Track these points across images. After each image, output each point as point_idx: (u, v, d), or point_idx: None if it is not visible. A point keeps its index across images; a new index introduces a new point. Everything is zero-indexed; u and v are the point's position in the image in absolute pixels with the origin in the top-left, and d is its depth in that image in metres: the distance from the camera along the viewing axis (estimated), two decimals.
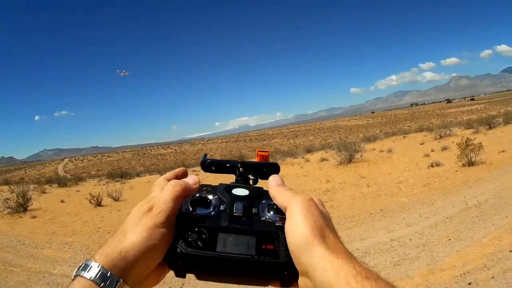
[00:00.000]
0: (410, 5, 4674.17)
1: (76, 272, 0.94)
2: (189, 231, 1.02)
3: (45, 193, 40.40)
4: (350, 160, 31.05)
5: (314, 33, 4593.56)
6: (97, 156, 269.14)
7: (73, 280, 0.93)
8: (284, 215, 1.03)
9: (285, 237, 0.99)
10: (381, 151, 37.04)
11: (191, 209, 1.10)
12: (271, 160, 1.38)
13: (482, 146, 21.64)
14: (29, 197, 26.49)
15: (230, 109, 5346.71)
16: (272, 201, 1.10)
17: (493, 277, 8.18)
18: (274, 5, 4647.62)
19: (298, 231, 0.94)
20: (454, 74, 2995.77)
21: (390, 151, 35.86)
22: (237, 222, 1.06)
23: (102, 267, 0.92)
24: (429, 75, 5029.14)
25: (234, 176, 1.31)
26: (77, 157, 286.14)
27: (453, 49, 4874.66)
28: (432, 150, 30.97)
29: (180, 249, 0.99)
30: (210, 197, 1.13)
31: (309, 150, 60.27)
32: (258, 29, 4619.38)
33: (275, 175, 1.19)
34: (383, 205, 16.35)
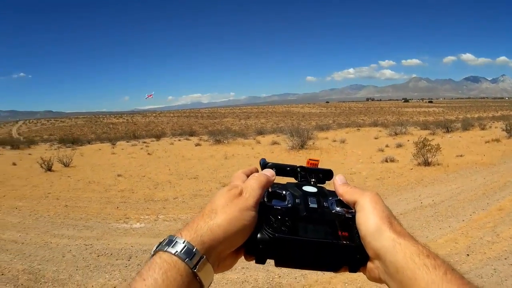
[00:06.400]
0: (378, 2, 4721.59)
1: (158, 247, 0.96)
2: (273, 218, 1.08)
3: None
4: (302, 146, 31.14)
5: (275, 17, 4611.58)
6: (50, 120, 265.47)
7: (153, 255, 0.95)
8: (350, 209, 1.14)
9: (356, 226, 1.08)
10: (334, 141, 37.35)
11: (266, 200, 1.15)
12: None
13: (440, 148, 21.81)
14: None
15: (184, 84, 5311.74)
16: (337, 197, 1.19)
17: None
18: None
19: (370, 220, 1.04)
20: (413, 75, 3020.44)
21: (343, 141, 36.07)
22: (314, 213, 1.13)
23: (188, 242, 0.95)
24: (388, 72, 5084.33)
25: (293, 179, 1.35)
26: (31, 120, 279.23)
27: (415, 51, 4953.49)
28: (387, 146, 31.17)
29: (266, 234, 1.05)
30: (284, 192, 1.19)
31: (260, 132, 60.77)
32: (220, 8, 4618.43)
33: (340, 175, 1.26)
34: None
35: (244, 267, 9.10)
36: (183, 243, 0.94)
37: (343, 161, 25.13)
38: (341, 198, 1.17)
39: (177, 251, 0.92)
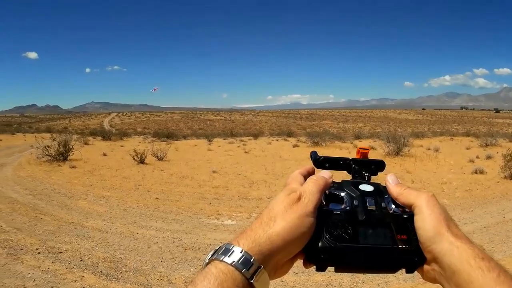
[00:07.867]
0: (471, 9, 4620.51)
1: (214, 256, 0.94)
2: (333, 225, 1.06)
3: (88, 144, 40.58)
4: (397, 153, 30.64)
5: (375, 21, 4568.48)
6: (145, 114, 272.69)
7: (207, 264, 0.94)
8: (404, 208, 1.13)
9: (413, 228, 1.07)
10: (428, 149, 36.50)
11: (324, 203, 1.13)
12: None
13: None
14: (71, 146, 26.72)
15: (284, 84, 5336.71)
16: None
17: None
18: None
19: (428, 224, 1.03)
20: (505, 85, 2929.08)
21: (437, 150, 35.21)
22: (373, 216, 1.12)
23: (246, 252, 0.93)
24: (481, 81, 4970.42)
25: (346, 172, 1.34)
26: (124, 113, 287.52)
27: (507, 59, 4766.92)
28: (477, 157, 30.29)
29: (327, 242, 1.03)
30: (341, 193, 1.17)
31: (357, 136, 59.62)
32: (319, 9, 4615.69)
33: (391, 174, 1.24)
34: None
35: (330, 270, 9.14)
36: (241, 252, 0.93)
37: (435, 170, 24.71)
38: (396, 200, 1.16)
39: (234, 261, 0.91)
